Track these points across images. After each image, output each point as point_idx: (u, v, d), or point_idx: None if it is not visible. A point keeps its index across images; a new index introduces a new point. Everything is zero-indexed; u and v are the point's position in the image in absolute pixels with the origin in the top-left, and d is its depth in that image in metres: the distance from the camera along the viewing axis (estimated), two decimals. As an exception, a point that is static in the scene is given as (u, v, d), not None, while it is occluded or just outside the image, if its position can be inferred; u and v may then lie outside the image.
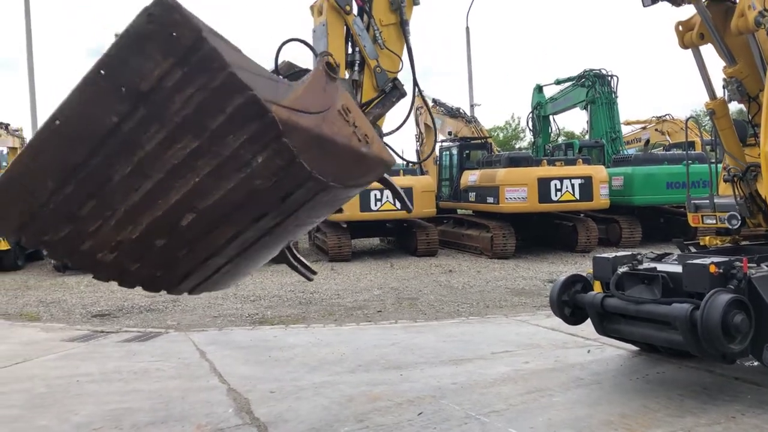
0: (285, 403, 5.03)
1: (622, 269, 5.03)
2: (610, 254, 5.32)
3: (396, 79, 4.33)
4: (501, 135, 51.64)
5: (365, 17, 4.35)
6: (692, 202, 6.42)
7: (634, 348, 6.14)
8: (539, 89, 22.14)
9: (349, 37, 4.38)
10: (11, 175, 2.80)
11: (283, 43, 3.50)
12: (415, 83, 4.50)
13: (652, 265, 5.09)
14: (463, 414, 4.67)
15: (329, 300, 10.10)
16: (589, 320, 5.34)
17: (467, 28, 30.46)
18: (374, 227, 16.37)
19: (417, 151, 22.93)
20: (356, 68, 4.31)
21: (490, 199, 15.31)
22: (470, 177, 16.58)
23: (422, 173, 20.80)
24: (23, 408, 5.11)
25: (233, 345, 7.14)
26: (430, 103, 21.59)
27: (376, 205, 14.91)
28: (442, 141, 19.91)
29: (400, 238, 17.35)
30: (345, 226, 15.64)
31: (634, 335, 5.21)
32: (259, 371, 6.00)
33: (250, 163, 2.72)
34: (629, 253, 5.33)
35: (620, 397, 4.97)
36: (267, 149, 2.69)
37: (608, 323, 5.13)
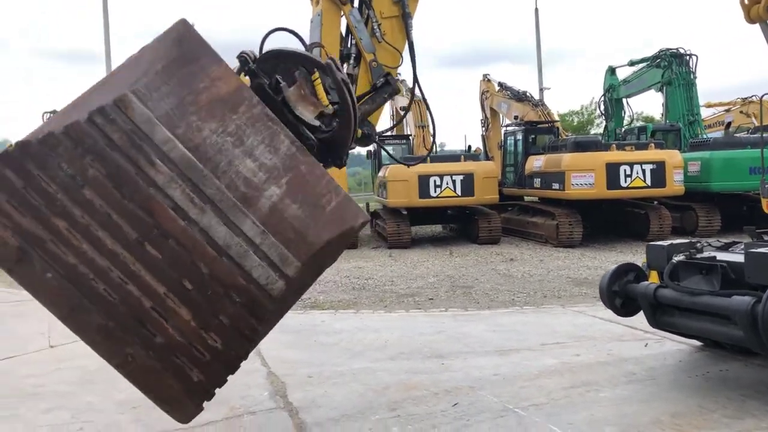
0: (321, 389, 4.99)
1: (677, 258, 4.66)
2: (665, 242, 4.95)
3: (388, 74, 4.11)
4: (576, 120, 50.00)
5: (365, 9, 4.17)
6: (766, 186, 5.90)
7: (696, 343, 5.72)
8: (611, 71, 21.18)
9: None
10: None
11: (269, 33, 3.37)
12: (416, 80, 4.27)
13: (712, 254, 4.69)
14: (501, 406, 4.47)
15: (382, 286, 10.02)
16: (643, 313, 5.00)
17: (536, 9, 29.54)
18: (435, 214, 16.19)
19: (482, 136, 22.52)
20: (352, 61, 4.15)
21: (556, 186, 14.80)
22: (535, 162, 16.09)
23: (487, 159, 20.43)
24: (74, 384, 5.29)
25: (282, 329, 7.08)
26: (496, 87, 21.12)
27: (435, 191, 14.72)
28: (507, 125, 19.43)
29: (462, 226, 17.09)
30: (405, 212, 15.54)
31: (689, 329, 4.82)
32: (301, 356, 6.00)
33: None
34: (687, 240, 4.94)
35: (675, 394, 4.62)
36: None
37: (662, 316, 4.78)
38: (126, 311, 2.76)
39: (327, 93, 3.26)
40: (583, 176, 14.00)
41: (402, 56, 4.26)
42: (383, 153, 21.28)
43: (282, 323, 7.34)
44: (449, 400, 4.63)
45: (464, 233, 16.84)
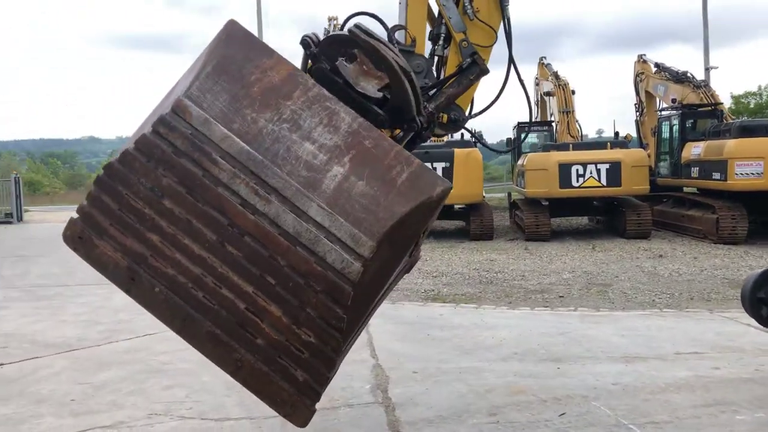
0: (423, 386, 4.84)
1: (842, 263, 3.90)
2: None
3: (475, 53, 3.74)
4: (752, 102, 45.00)
5: None
6: None
7: None
8: (794, 44, 18.58)
9: None
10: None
11: (350, 17, 3.23)
12: (511, 59, 3.86)
13: None
14: (614, 421, 4.04)
15: (511, 281, 9.62)
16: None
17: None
18: (578, 205, 15.29)
19: (636, 121, 20.90)
20: (441, 42, 3.85)
21: (717, 175, 13.33)
22: (693, 149, 14.61)
23: (641, 146, 18.97)
24: (195, 364, 5.58)
25: (398, 320, 7.13)
26: (653, 69, 19.46)
27: (578, 181, 13.89)
28: (663, 110, 17.84)
29: (609, 218, 16.01)
30: (545, 203, 14.84)
31: None
32: (411, 349, 5.89)
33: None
34: None
35: (833, 425, 3.90)
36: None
37: (820, 331, 4.04)
38: (227, 315, 2.80)
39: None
40: (750, 165, 12.45)
41: (497, 34, 3.91)
42: (523, 140, 20.54)
43: (399, 314, 7.37)
44: (557, 409, 4.28)
45: (611, 226, 15.76)
